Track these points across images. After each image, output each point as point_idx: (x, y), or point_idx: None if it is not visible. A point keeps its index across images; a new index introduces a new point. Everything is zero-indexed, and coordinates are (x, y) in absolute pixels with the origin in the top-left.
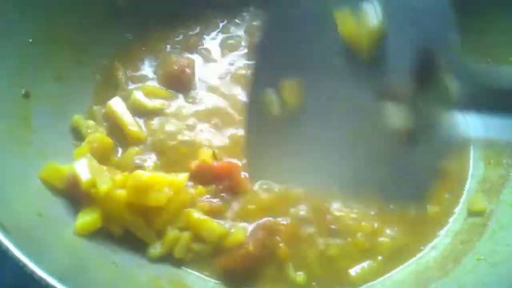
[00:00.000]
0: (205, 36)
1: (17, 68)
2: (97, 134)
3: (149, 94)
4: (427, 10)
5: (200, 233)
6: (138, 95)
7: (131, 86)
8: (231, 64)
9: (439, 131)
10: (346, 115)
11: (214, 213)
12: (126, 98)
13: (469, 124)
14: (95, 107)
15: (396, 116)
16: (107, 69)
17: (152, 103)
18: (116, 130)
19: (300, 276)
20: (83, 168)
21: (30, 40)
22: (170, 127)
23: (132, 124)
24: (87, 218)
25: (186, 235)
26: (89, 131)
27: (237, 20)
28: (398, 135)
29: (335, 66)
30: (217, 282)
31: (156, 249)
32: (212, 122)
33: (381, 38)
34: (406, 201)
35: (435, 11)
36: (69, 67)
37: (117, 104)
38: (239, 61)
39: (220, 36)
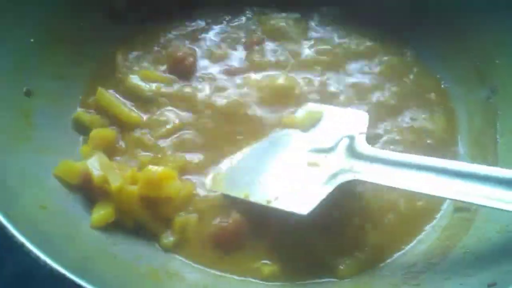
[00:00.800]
0: (208, 30)
1: (19, 67)
2: (98, 129)
3: (147, 79)
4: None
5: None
6: (135, 80)
7: (129, 72)
8: (231, 58)
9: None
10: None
11: None
12: (123, 83)
13: None
14: (92, 99)
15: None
16: (106, 63)
17: (149, 87)
18: (116, 119)
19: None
20: (94, 166)
21: (32, 40)
22: (167, 113)
23: (128, 111)
24: (102, 212)
25: (193, 216)
26: (92, 124)
27: (240, 17)
28: None
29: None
30: (215, 274)
31: (168, 238)
32: (207, 111)
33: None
34: None
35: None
36: (70, 66)
37: (107, 95)
38: (239, 56)
39: (223, 31)
